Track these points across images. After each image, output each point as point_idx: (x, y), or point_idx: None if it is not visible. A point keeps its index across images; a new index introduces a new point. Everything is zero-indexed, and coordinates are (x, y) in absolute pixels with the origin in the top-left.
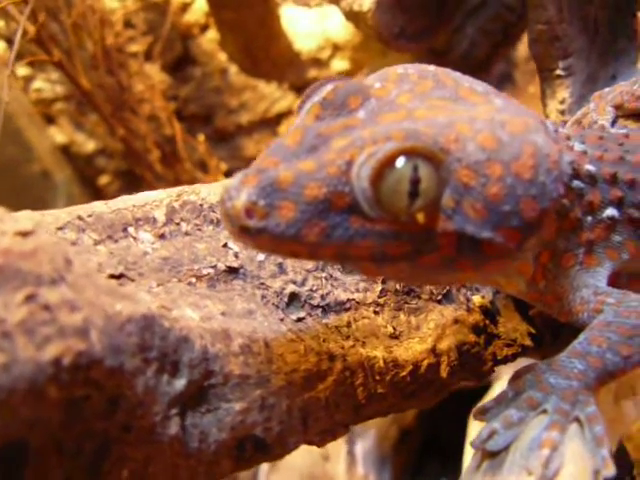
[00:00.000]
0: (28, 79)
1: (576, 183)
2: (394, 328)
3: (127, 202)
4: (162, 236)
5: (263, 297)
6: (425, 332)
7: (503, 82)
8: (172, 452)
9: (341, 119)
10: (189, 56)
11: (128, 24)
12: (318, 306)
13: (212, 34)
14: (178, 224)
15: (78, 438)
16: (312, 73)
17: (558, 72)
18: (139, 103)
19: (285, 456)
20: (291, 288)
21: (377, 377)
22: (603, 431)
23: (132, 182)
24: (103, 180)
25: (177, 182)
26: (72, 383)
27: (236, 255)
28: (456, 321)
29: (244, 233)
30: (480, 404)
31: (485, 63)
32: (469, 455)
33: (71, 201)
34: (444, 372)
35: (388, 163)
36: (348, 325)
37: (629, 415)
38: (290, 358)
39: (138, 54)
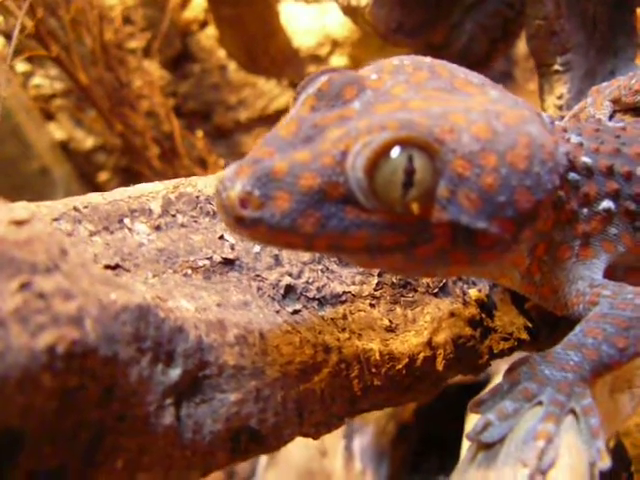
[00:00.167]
0: (27, 75)
1: (572, 175)
2: (390, 321)
3: (123, 194)
4: (158, 227)
5: (259, 289)
6: (421, 325)
7: (503, 79)
8: (166, 442)
9: (336, 110)
10: (188, 52)
11: (127, 20)
12: (314, 298)
13: (211, 31)
14: (174, 216)
15: (73, 427)
16: (311, 69)
17: (556, 67)
18: (138, 99)
19: (280, 448)
20: (287, 280)
21: (373, 370)
22: (599, 423)
23: (131, 178)
24: (102, 176)
25: (176, 178)
26: (66, 372)
27: (232, 247)
28: (452, 314)
29: (239, 224)
30: (476, 397)
31: (484, 59)
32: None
33: None
34: (440, 365)
35: (383, 153)
36: (344, 317)
37: (625, 408)
38: (285, 350)
39: (137, 50)
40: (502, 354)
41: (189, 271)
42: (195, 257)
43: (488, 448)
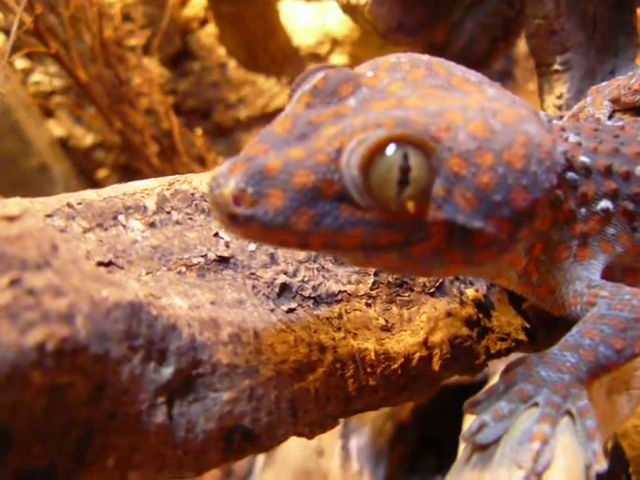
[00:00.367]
0: (27, 72)
1: (570, 174)
2: (386, 320)
3: (118, 190)
4: (152, 225)
5: (254, 287)
6: (417, 325)
7: (503, 79)
8: (158, 441)
9: (332, 107)
10: (188, 50)
11: (127, 17)
12: (309, 297)
13: (211, 28)
14: (169, 213)
15: (63, 425)
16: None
17: (556, 67)
18: (137, 97)
19: (274, 447)
20: (282, 279)
21: (368, 369)
22: (595, 425)
23: (130, 175)
24: (101, 173)
25: None
26: (56, 369)
27: (227, 245)
28: (449, 314)
29: (232, 221)
30: (472, 397)
31: (485, 58)
32: None
33: None
34: (436, 365)
35: (378, 150)
36: (339, 317)
37: (622, 410)
38: (280, 349)
39: (137, 48)
40: (499, 354)
41: (183, 269)
42: (189, 255)
43: (483, 449)
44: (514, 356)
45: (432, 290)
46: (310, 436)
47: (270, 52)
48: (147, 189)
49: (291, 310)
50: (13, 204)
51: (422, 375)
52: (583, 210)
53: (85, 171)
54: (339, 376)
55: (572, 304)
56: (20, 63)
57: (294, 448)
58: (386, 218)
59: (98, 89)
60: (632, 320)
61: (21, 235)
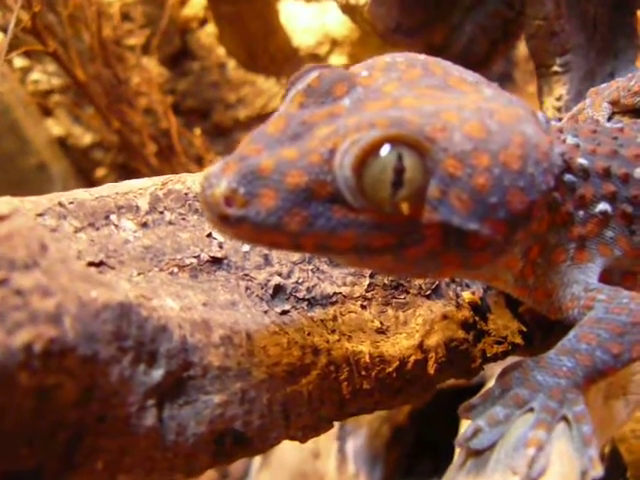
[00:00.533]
0: (25, 71)
1: (568, 176)
2: (381, 323)
3: (110, 190)
4: (145, 225)
5: (247, 289)
6: (413, 327)
7: (503, 81)
8: (148, 444)
9: (326, 107)
10: (187, 50)
11: (126, 17)
12: (304, 299)
13: (211, 28)
14: (162, 213)
15: (50, 427)
16: None
17: (555, 68)
18: (136, 96)
19: (266, 451)
20: (276, 280)
21: (363, 372)
22: (591, 430)
23: (128, 175)
24: (99, 173)
25: None
26: (44, 370)
27: (220, 245)
28: (445, 317)
29: (223, 222)
30: (467, 402)
31: (484, 60)
32: None
33: None
34: (431, 369)
35: (372, 151)
36: (334, 319)
37: (620, 415)
38: (273, 351)
39: (136, 47)
40: (495, 358)
41: (175, 269)
42: (182, 255)
43: (478, 455)
44: (510, 360)
45: (428, 293)
46: (303, 440)
47: (270, 52)
48: (140, 189)
49: (285, 312)
50: (2, 203)
51: (417, 378)
52: (581, 213)
53: (83, 170)
54: (333, 379)
55: (569, 307)
56: (19, 62)
57: (290, 450)
58: (380, 220)
59: (97, 88)
60: (629, 324)
61: (10, 235)
